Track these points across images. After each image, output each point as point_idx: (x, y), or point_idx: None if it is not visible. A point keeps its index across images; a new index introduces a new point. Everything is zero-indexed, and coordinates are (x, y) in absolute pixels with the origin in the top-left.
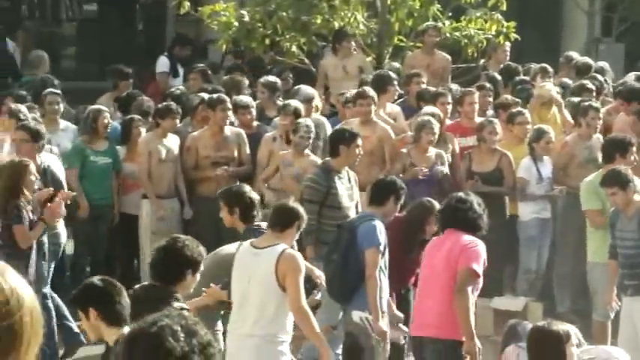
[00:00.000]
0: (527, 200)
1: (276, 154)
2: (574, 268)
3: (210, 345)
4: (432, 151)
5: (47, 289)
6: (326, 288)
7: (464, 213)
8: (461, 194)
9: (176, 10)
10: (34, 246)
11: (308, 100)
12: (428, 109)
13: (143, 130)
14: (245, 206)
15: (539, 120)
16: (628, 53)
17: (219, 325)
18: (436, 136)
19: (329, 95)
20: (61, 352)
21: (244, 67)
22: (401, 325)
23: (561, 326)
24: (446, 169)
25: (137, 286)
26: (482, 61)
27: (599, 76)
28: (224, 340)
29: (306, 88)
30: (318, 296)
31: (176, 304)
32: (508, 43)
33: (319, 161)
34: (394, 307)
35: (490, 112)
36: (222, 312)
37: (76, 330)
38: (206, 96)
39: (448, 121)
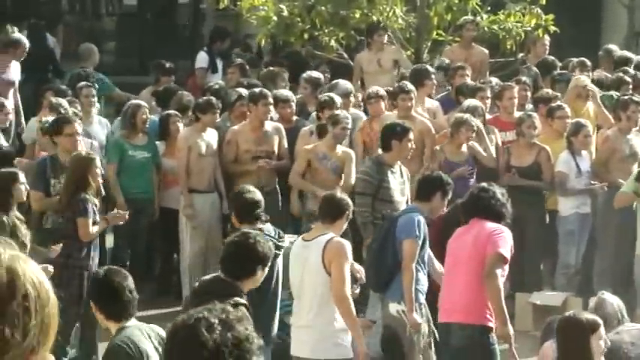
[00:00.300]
0: (568, 194)
1: (308, 148)
2: (614, 263)
3: (248, 340)
4: (464, 147)
5: None
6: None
7: (487, 201)
8: (484, 184)
9: (215, 5)
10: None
11: (346, 95)
12: (471, 101)
13: (180, 126)
14: (241, 206)
15: (574, 113)
16: None
17: None
18: (474, 134)
19: (365, 89)
20: None
21: (283, 61)
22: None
23: (589, 316)
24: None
25: (205, 277)
26: (520, 55)
27: (631, 70)
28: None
29: (344, 83)
30: (357, 290)
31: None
32: (547, 37)
33: (352, 153)
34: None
35: (529, 106)
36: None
37: None
38: (243, 92)
39: (487, 116)
